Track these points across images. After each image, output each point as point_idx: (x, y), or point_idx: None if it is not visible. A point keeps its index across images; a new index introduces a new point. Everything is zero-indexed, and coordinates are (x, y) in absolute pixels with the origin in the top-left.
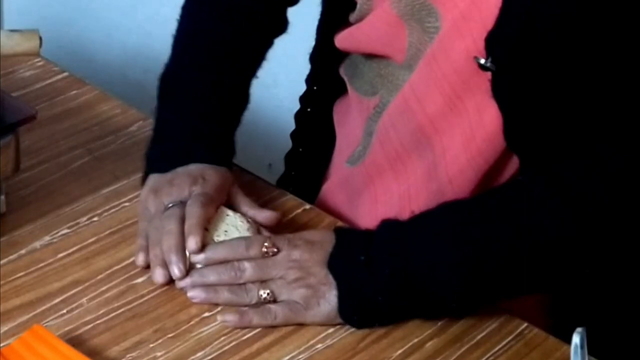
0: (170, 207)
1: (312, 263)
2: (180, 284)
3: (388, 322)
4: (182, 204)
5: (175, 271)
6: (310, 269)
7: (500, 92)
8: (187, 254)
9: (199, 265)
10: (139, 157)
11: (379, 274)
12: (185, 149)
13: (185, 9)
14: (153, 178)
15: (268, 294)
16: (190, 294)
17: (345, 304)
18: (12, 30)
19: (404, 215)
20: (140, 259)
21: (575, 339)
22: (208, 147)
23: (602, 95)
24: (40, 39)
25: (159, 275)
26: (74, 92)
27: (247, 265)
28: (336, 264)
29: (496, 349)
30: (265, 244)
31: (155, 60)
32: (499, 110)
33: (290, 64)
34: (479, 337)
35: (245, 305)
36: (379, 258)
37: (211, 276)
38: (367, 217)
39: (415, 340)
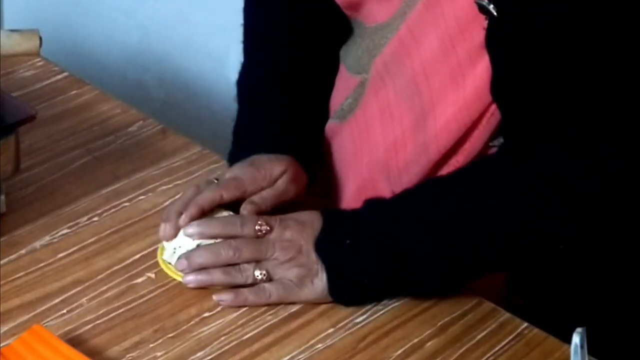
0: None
1: (304, 242)
2: (178, 265)
3: (378, 299)
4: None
5: (160, 232)
6: (302, 248)
7: (494, 42)
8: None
9: (192, 239)
10: (139, 157)
11: (365, 256)
12: (252, 142)
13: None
14: None
15: (263, 274)
16: (185, 279)
17: (334, 286)
18: (12, 30)
19: (390, 167)
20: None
21: (575, 339)
22: (272, 137)
23: (600, 93)
24: (40, 39)
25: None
26: (74, 92)
27: (244, 244)
28: (323, 247)
29: (496, 349)
30: (259, 222)
31: (155, 60)
32: (490, 62)
33: None
34: (479, 337)
35: (241, 286)
36: (364, 241)
37: (209, 257)
38: (352, 174)
39: (415, 340)
